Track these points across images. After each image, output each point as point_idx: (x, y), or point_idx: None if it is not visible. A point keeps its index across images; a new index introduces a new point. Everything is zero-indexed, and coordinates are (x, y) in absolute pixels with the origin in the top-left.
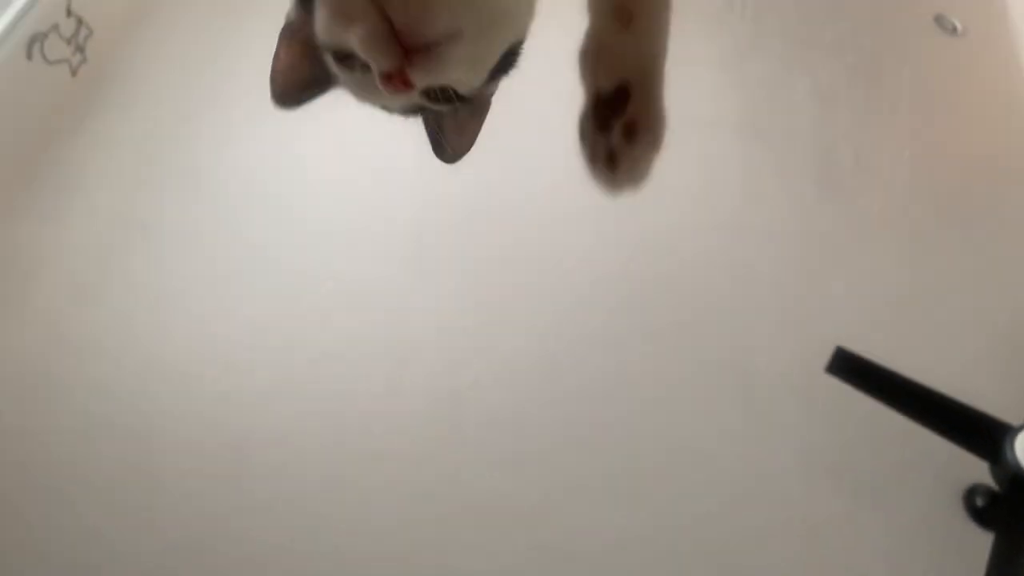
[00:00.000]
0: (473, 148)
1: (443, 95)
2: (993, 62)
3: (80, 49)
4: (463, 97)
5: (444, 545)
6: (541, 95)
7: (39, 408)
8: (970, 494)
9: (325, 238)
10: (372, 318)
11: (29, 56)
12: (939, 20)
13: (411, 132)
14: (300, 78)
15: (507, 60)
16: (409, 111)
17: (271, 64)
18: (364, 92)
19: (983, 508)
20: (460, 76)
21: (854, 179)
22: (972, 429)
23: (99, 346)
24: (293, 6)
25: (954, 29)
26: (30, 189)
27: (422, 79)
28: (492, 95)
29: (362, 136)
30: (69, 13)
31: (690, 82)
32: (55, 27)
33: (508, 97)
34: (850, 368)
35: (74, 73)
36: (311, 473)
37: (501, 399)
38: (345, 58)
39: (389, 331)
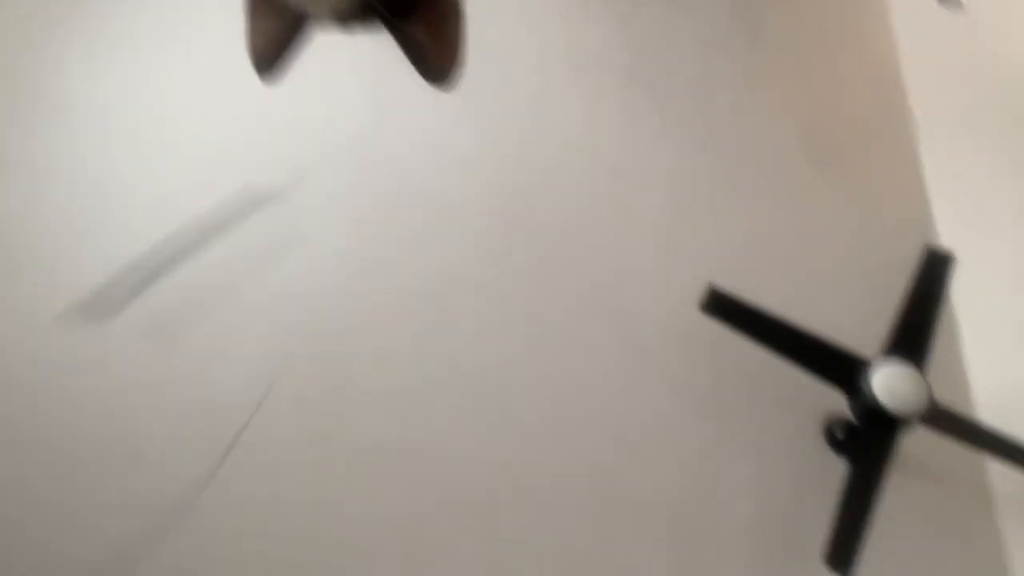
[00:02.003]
0: (463, 64)
1: None
2: (864, 16)
3: None
4: None
5: (330, 486)
6: None
7: None
8: (829, 425)
9: (195, 174)
10: (247, 261)
11: None
12: None
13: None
14: (273, 38)
15: None
16: (360, 10)
17: (247, 40)
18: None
19: (840, 438)
20: None
21: (732, 126)
22: (833, 364)
23: None
24: None
25: None
26: None
27: None
28: None
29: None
30: None
31: (575, 27)
32: None
33: None
34: (721, 305)
35: None
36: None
37: (383, 338)
38: None
39: (266, 278)
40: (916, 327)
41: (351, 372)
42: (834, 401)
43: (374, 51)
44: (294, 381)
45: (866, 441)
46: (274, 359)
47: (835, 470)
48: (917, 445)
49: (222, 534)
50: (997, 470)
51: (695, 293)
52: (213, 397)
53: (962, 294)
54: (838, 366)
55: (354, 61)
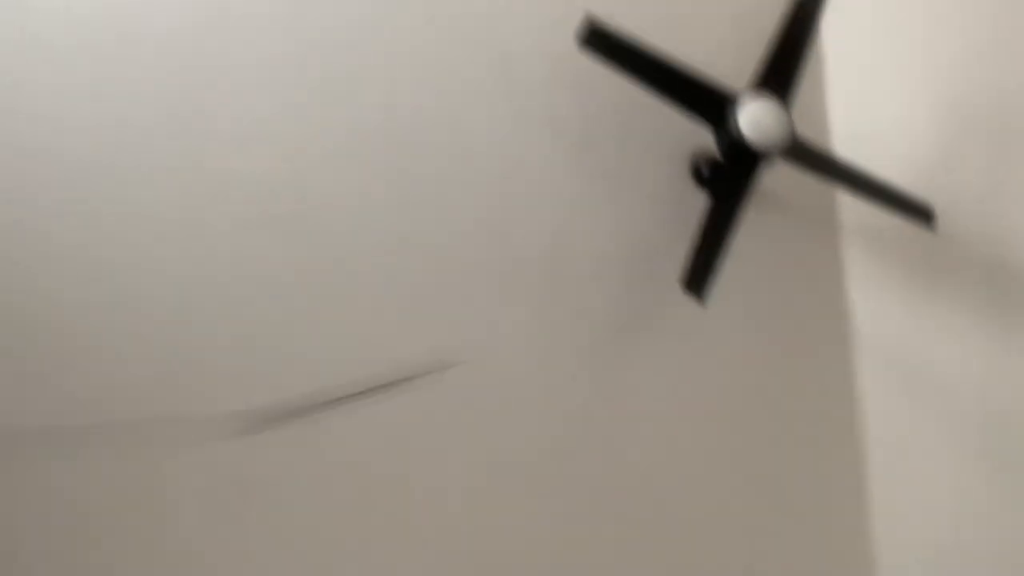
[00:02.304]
0: None
1: None
2: None
3: None
4: None
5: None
6: None
7: None
8: (696, 160)
9: None
10: None
11: None
12: None
13: None
14: None
15: None
16: None
17: None
18: None
19: (706, 173)
20: None
21: None
22: (701, 99)
23: None
24: None
25: None
26: None
27: None
28: None
29: None
30: None
31: None
32: None
33: None
34: (595, 38)
35: None
36: None
37: (248, 74)
38: None
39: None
40: (784, 63)
41: (213, 105)
42: (702, 138)
43: None
44: (155, 119)
45: (729, 175)
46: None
47: (699, 205)
48: (774, 178)
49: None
50: (847, 204)
51: (569, 28)
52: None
53: (830, 31)
54: (706, 101)
55: None
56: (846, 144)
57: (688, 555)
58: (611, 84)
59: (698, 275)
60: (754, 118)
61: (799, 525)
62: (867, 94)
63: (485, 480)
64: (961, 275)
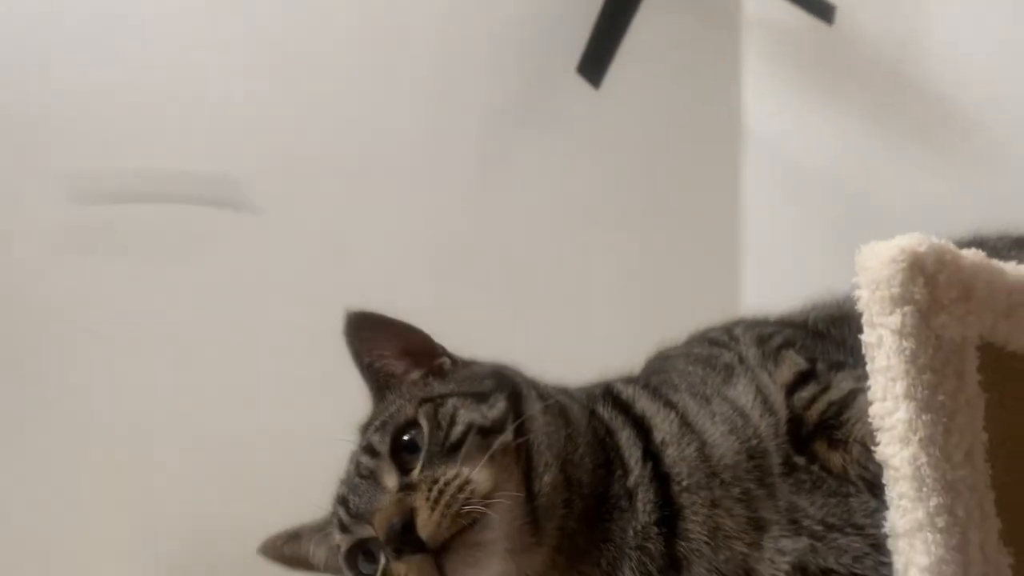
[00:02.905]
0: None
1: None
2: None
3: None
4: None
5: None
6: None
7: None
8: None
9: None
10: None
11: None
12: None
13: None
14: None
15: None
16: None
17: None
18: None
19: None
20: None
21: None
22: None
23: None
24: None
25: None
26: None
27: None
28: None
29: None
30: None
31: None
32: None
33: None
34: None
35: None
36: None
37: None
38: None
39: None
40: None
41: None
42: None
43: None
44: None
45: None
46: None
47: None
48: None
49: None
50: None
51: None
52: None
53: None
54: None
55: None
56: None
57: (576, 321)
58: None
59: (595, 57)
60: None
61: (677, 306)
62: None
63: (379, 257)
64: (855, 80)
